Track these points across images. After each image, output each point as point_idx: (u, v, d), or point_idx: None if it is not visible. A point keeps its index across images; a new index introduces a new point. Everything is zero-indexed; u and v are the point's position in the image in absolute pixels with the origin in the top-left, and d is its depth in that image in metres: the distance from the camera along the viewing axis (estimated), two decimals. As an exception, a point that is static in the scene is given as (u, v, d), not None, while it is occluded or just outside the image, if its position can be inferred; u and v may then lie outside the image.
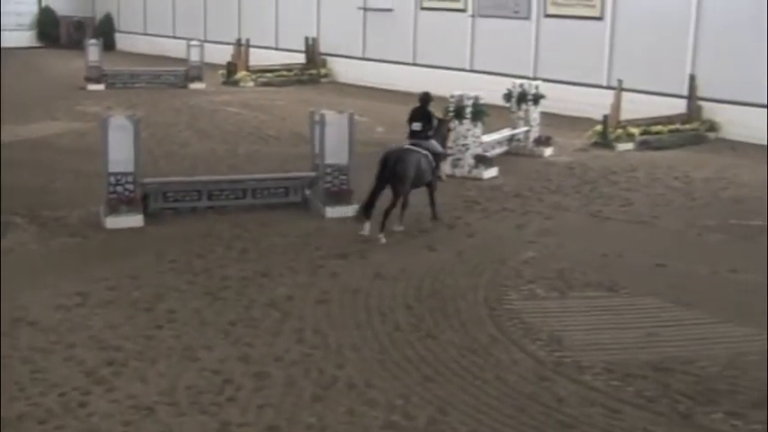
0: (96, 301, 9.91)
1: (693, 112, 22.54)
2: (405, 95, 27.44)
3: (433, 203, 13.68)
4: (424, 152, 13.30)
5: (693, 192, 16.39)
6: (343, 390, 7.95)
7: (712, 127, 22.13)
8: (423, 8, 30.32)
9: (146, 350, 8.67)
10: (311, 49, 33.25)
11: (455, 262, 11.78)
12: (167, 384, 7.94)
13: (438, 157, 13.48)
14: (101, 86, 28.36)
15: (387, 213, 12.86)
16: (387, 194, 12.91)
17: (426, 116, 13.63)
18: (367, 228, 12.86)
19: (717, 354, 8.87)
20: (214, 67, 30.94)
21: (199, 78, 29.51)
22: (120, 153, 12.91)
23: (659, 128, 20.67)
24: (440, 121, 13.78)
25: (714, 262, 11.96)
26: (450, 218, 13.98)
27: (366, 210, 12.82)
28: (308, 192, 14.15)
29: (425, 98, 13.92)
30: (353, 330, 9.27)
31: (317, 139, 13.98)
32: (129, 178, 13.10)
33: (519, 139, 19.51)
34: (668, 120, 21.66)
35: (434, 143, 13.52)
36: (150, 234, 12.64)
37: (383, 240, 12.73)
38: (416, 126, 13.68)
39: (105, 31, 43.18)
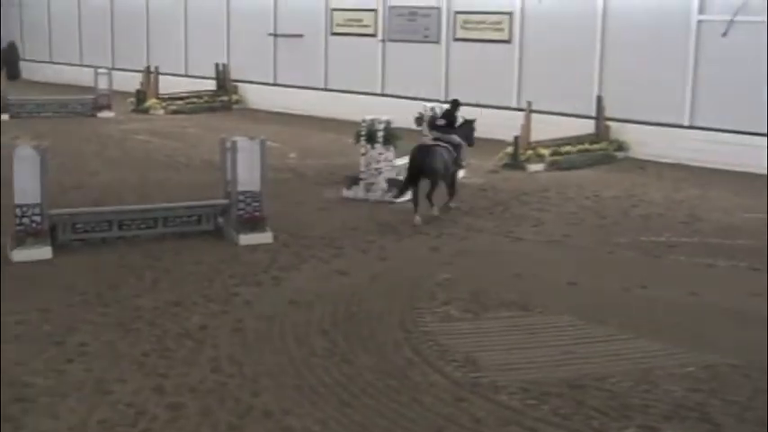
0: (4, 336, 9.64)
1: (602, 133, 22.80)
2: (317, 120, 28.26)
3: (451, 190, 16.37)
4: (445, 145, 16.01)
5: (603, 210, 16.58)
6: (259, 418, 7.83)
7: (621, 147, 22.39)
8: (333, 33, 30.34)
9: (56, 385, 8.43)
10: (222, 76, 33.03)
11: (370, 286, 11.73)
12: (78, 419, 7.73)
13: (458, 148, 16.28)
14: (5, 116, 27.72)
15: (429, 198, 15.70)
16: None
17: (450, 116, 16.92)
18: (418, 220, 15.47)
19: (629, 369, 8.96)
20: (123, 94, 30.49)
21: (107, 107, 29.10)
22: (27, 184, 12.60)
23: (568, 148, 20.94)
24: (465, 121, 16.85)
25: (625, 279, 12.09)
26: (363, 242, 14.02)
27: (415, 207, 15.54)
28: (220, 219, 13.97)
29: (455, 103, 17.41)
30: (269, 358, 9.15)
31: (229, 166, 13.75)
32: (37, 209, 12.83)
33: None
34: (577, 140, 22.00)
35: (455, 137, 16.50)
36: (59, 266, 12.36)
37: (418, 220, 15.38)
38: (441, 122, 17.01)
39: (9, 59, 42.33)
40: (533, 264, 12.78)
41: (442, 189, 15.75)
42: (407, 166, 15.32)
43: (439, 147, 15.64)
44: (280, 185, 17.63)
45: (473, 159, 19.69)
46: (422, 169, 15.15)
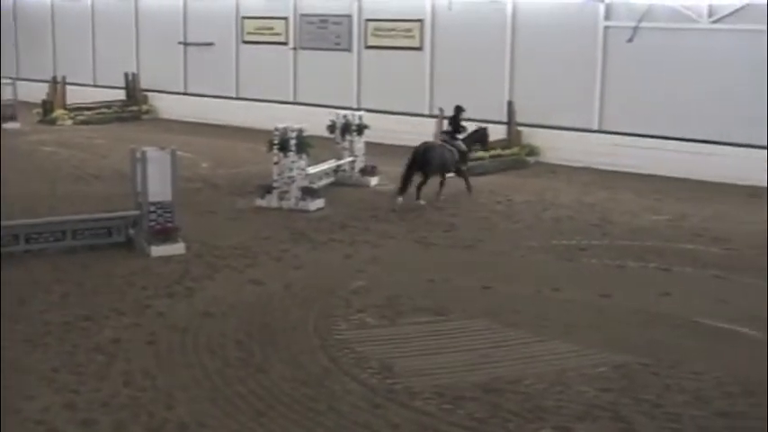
0: None
1: (513, 138, 22.87)
2: (230, 130, 27.77)
3: (467, 184, 18.23)
4: (450, 147, 17.65)
5: (515, 214, 16.62)
6: (174, 431, 7.67)
7: (532, 151, 22.49)
8: (244, 42, 29.96)
9: (-37, 404, 7.90)
10: (131, 86, 32.43)
11: (284, 295, 11.57)
12: (-16, 439, 7.32)
13: (463, 155, 18.03)
14: None
15: (419, 188, 17.04)
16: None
17: (456, 122, 18.35)
18: (399, 201, 16.73)
19: (543, 371, 9.00)
20: (29, 105, 29.85)
21: (13, 118, 28.34)
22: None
23: (481, 153, 20.80)
24: (477, 129, 18.86)
25: (538, 282, 12.12)
26: (277, 251, 13.82)
27: (401, 190, 16.76)
28: (131, 231, 13.77)
29: (458, 109, 18.81)
30: (183, 370, 8.99)
31: (140, 177, 13.55)
32: (-54, 224, 12.00)
33: (344, 170, 19.47)
34: (497, 144, 22.03)
35: (460, 143, 18.08)
36: (-36, 282, 11.57)
37: (422, 203, 17.07)
38: (447, 128, 18.68)
39: None
40: (447, 269, 12.74)
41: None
42: (407, 162, 16.66)
43: (443, 147, 17.34)
44: (192, 196, 17.45)
45: (386, 167, 19.83)
46: (417, 161, 16.65)
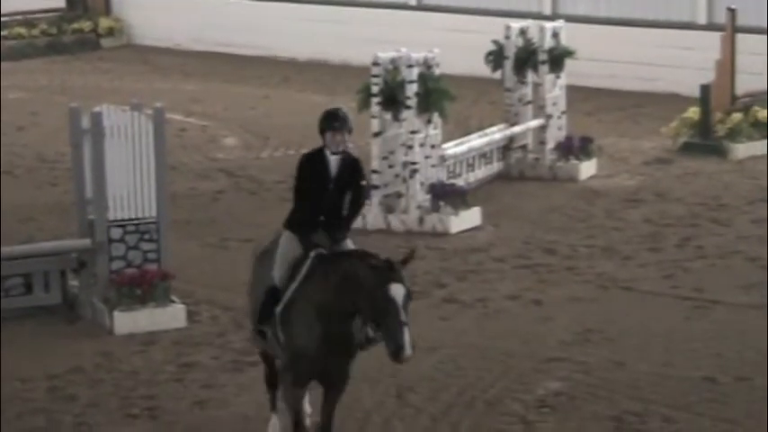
0: None
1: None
2: (279, 65, 21.28)
3: None
4: None
5: None
6: None
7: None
8: None
9: None
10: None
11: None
12: None
13: None
14: None
15: None
16: None
17: None
18: None
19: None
20: None
21: None
22: None
23: None
24: None
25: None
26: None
27: None
28: (74, 282, 10.95)
29: None
30: None
31: (89, 168, 10.59)
32: None
33: (523, 146, 14.89)
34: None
35: None
36: None
37: None
38: None
39: None
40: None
41: None
42: None
43: None
44: (204, 206, 13.95)
45: (612, 138, 16.31)
46: None
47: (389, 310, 6.75)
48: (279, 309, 7.37)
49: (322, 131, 7.33)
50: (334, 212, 7.46)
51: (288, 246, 7.34)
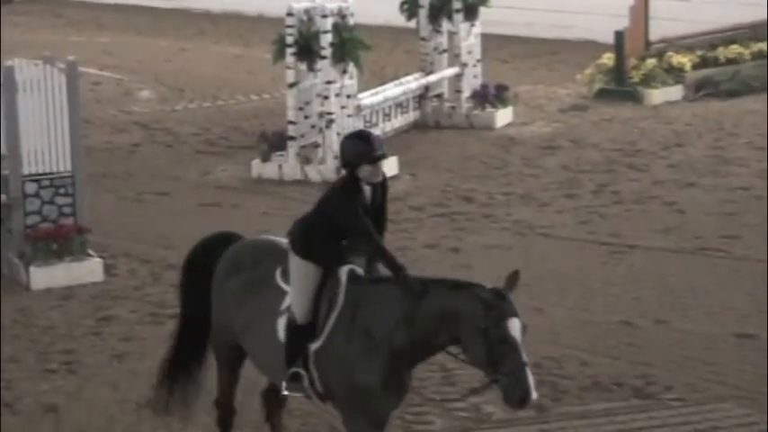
0: None
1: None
2: (195, 17, 21.36)
3: None
4: None
5: None
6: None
7: None
8: None
9: None
10: None
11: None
12: None
13: None
14: None
15: None
16: None
17: None
18: None
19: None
20: None
21: None
22: None
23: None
24: None
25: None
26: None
27: None
28: None
29: None
30: None
31: (2, 124, 10.75)
32: None
33: (439, 95, 15.00)
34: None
35: None
36: None
37: None
38: None
39: None
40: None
41: None
42: None
43: None
44: (121, 160, 13.97)
45: (527, 86, 16.43)
46: None
47: (509, 351, 5.63)
48: (316, 346, 6.19)
49: (355, 164, 5.93)
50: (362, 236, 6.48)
51: (308, 277, 6.21)
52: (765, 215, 11.13)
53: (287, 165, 12.93)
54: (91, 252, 10.50)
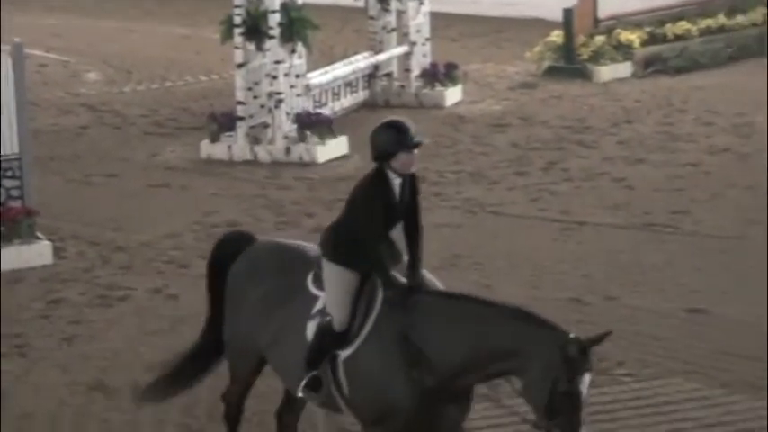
0: None
1: None
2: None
3: None
4: None
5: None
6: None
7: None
8: None
9: None
10: None
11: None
12: None
13: None
14: None
15: None
16: None
17: None
18: None
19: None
20: None
21: None
22: None
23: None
24: None
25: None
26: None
27: None
28: None
29: None
30: None
31: None
32: None
33: (389, 74, 14.98)
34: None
35: None
36: None
37: None
38: None
39: None
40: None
41: None
42: None
43: None
44: (68, 142, 13.80)
45: (477, 65, 16.50)
46: None
47: (571, 407, 5.28)
48: (347, 353, 5.80)
49: (391, 154, 5.63)
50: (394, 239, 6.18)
51: (345, 283, 5.83)
52: (713, 191, 11.10)
53: (236, 145, 12.93)
54: (39, 235, 10.45)
